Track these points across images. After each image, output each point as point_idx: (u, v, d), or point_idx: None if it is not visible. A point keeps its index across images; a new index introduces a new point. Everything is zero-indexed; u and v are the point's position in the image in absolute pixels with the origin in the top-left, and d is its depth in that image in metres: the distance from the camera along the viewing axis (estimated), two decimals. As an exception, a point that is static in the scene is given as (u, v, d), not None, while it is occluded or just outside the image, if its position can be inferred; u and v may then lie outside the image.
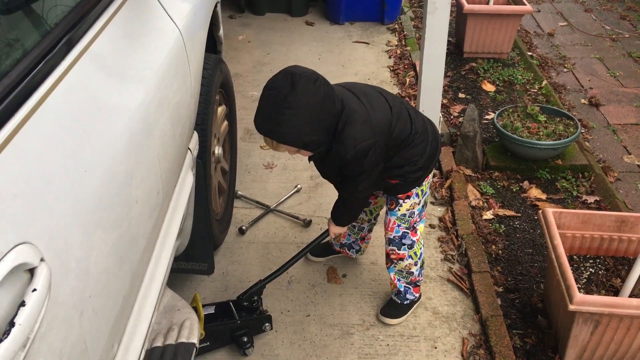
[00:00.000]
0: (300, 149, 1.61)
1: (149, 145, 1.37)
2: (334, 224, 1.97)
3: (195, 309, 1.85)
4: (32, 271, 0.87)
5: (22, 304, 0.81)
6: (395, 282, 2.08)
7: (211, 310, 2.04)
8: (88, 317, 1.03)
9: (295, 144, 1.58)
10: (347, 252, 2.37)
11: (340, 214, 1.94)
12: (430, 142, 1.84)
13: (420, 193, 1.91)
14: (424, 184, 1.90)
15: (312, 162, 1.88)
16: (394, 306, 2.16)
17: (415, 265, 2.05)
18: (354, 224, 2.19)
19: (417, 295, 2.15)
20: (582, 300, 1.77)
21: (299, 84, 1.50)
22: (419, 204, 1.93)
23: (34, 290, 0.83)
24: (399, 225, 1.95)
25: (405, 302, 2.14)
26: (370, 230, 2.28)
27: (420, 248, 2.04)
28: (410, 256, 2.01)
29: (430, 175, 1.93)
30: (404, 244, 1.99)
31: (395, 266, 2.05)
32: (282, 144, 1.60)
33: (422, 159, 1.82)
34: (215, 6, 2.34)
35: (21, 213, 0.88)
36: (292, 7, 4.76)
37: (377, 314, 2.17)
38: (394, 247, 2.00)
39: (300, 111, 1.51)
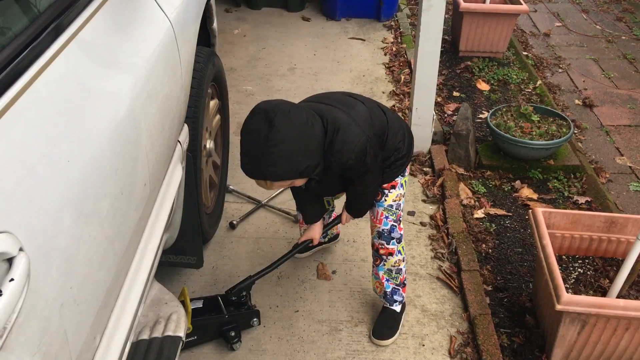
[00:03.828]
0: (297, 178, 1.62)
1: (136, 136, 1.36)
2: (352, 217, 2.02)
3: (183, 303, 1.84)
4: (10, 261, 0.85)
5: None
6: (384, 281, 2.05)
7: (199, 304, 2.03)
8: (69, 309, 1.02)
9: (292, 176, 1.58)
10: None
11: (356, 209, 1.98)
12: (405, 129, 1.91)
13: (404, 184, 1.96)
14: (406, 174, 1.95)
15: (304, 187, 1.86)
16: (385, 320, 2.10)
17: (403, 261, 2.05)
18: None
19: (404, 296, 2.12)
20: (569, 300, 1.77)
21: (275, 119, 1.50)
22: (403, 196, 1.97)
23: (12, 280, 0.82)
24: (387, 217, 1.95)
25: (394, 306, 2.10)
26: (330, 217, 2.29)
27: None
28: (399, 251, 2.01)
29: (409, 166, 1.98)
30: (393, 238, 1.98)
31: (384, 264, 2.03)
32: (278, 181, 1.59)
33: (405, 146, 1.88)
34: (209, -1, 2.33)
35: (0, 202, 0.87)
36: (288, 2, 4.75)
37: (369, 335, 2.09)
38: (382, 241, 1.99)
39: (285, 145, 1.52)
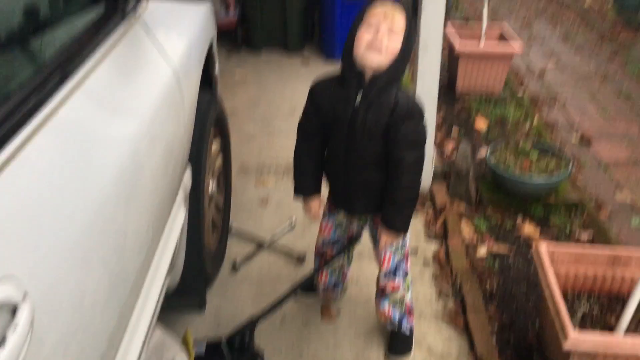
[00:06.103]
0: (406, 41, 1.61)
1: (140, 180, 1.37)
2: (395, 232, 1.82)
3: (186, 346, 1.82)
4: (14, 306, 0.85)
5: (2, 341, 0.80)
6: (390, 313, 2.07)
7: (202, 348, 2.00)
8: (72, 356, 1.01)
9: (406, 31, 1.60)
10: (332, 293, 2.31)
11: (398, 214, 1.78)
12: None
13: None
14: None
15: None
16: (398, 339, 2.13)
17: (408, 290, 2.07)
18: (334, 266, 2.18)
19: (412, 323, 2.14)
20: (576, 339, 1.75)
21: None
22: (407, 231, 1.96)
23: (16, 326, 0.82)
24: (394, 257, 1.97)
25: (404, 330, 2.11)
26: (349, 265, 2.27)
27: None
28: (405, 284, 2.03)
29: None
30: (399, 275, 2.00)
31: (390, 297, 2.05)
32: (403, 17, 1.60)
33: None
34: (210, 46, 2.39)
35: (4, 247, 0.88)
36: (288, 42, 4.89)
37: (385, 354, 2.12)
38: (388, 280, 2.01)
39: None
